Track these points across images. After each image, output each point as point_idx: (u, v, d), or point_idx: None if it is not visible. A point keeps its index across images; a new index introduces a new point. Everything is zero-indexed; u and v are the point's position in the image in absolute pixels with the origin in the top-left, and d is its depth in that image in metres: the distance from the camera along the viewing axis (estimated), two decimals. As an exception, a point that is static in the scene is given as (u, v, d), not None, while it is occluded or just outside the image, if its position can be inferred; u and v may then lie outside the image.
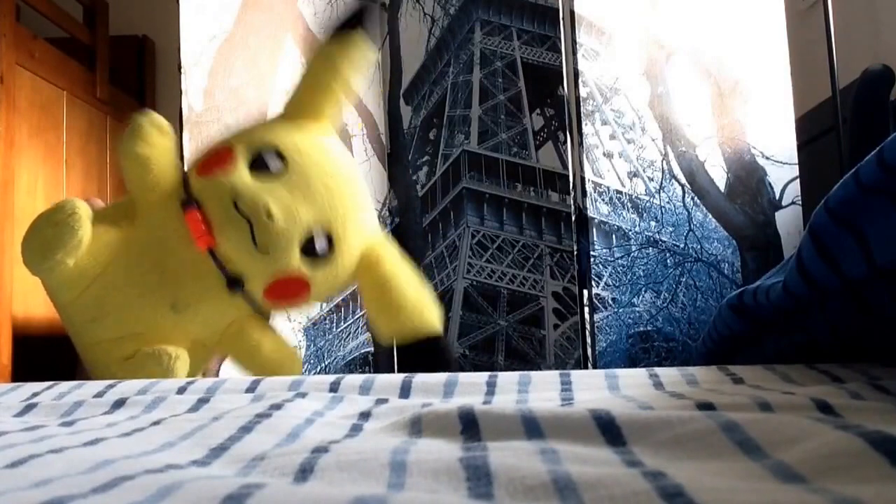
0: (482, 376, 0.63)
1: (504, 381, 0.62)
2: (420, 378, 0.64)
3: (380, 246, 0.86)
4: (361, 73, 0.90)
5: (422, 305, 0.87)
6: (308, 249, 0.78)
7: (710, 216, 1.51)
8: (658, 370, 0.65)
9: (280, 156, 0.80)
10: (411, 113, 1.72)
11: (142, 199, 0.81)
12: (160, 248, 0.78)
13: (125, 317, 0.79)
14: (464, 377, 0.63)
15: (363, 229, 0.85)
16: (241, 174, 0.78)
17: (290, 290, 0.79)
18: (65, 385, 0.68)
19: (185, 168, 0.80)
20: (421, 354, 0.84)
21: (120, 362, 0.77)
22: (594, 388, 0.60)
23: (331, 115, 0.88)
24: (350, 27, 0.89)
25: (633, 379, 0.63)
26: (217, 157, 0.81)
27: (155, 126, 0.79)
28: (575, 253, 1.48)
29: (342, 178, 0.84)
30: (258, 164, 0.79)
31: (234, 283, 0.77)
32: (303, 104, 0.86)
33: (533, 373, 0.65)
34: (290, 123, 0.85)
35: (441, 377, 0.63)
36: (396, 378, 0.64)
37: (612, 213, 1.49)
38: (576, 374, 0.64)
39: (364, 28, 0.89)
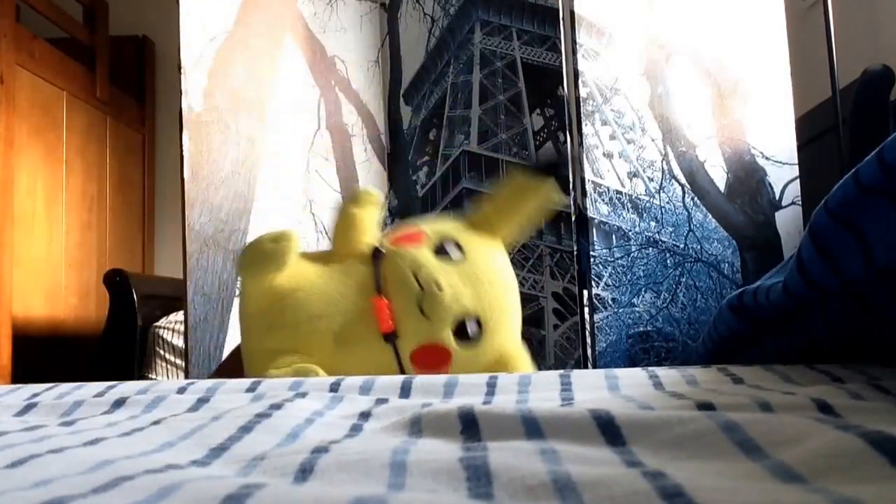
0: (482, 377, 0.64)
1: (504, 382, 0.62)
2: (420, 378, 0.64)
3: (517, 355, 1.00)
4: (543, 214, 1.05)
5: None
6: (460, 330, 0.91)
7: (710, 216, 1.51)
8: (658, 370, 0.65)
9: (459, 248, 0.95)
10: (411, 113, 1.72)
11: (341, 250, 0.96)
12: (342, 288, 0.93)
13: (295, 334, 0.91)
14: (464, 378, 0.63)
15: (510, 331, 0.99)
16: (426, 252, 0.93)
17: (434, 358, 0.91)
18: (65, 386, 0.68)
19: (378, 236, 0.98)
20: None
21: (276, 370, 0.85)
22: (594, 389, 0.60)
23: (507, 237, 1.03)
24: (547, 172, 1.04)
25: (633, 379, 0.63)
26: (410, 235, 0.96)
27: (370, 196, 0.97)
28: (575, 253, 1.48)
29: (504, 283, 0.98)
30: (441, 251, 0.94)
31: (390, 335, 0.90)
32: (489, 219, 1.01)
33: (533, 373, 0.65)
34: (472, 229, 1.00)
35: (441, 378, 0.63)
36: (397, 379, 0.64)
37: (612, 214, 1.49)
38: (576, 375, 0.64)
39: (556, 177, 1.06)
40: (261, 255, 0.92)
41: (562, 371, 0.66)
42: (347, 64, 1.70)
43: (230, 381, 0.67)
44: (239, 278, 1.00)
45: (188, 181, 1.36)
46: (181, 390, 0.63)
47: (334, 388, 0.62)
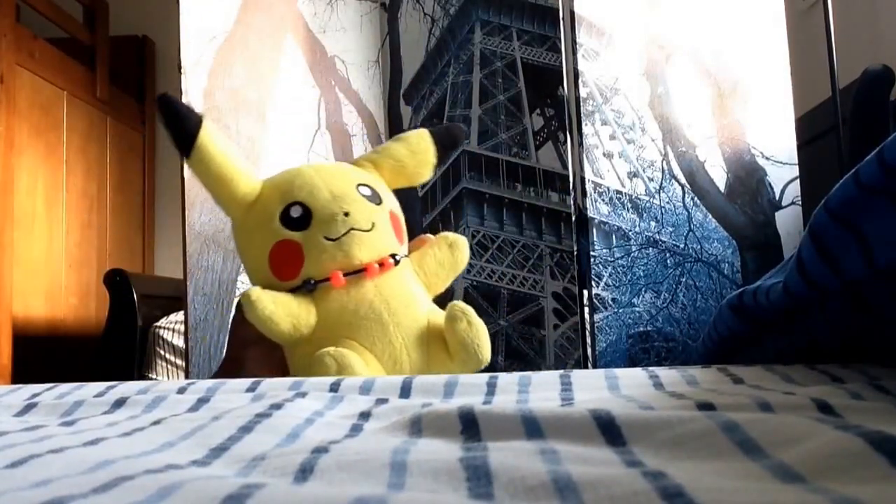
0: (482, 377, 0.64)
1: (504, 382, 0.62)
2: (420, 379, 0.64)
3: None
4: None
5: None
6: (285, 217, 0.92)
7: (710, 216, 1.51)
8: (658, 370, 0.65)
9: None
10: (411, 113, 1.72)
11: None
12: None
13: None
14: (464, 378, 0.63)
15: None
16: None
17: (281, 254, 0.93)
18: (65, 386, 0.68)
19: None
20: None
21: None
22: (594, 389, 0.60)
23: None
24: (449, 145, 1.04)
25: (633, 379, 0.63)
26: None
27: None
28: (575, 253, 1.48)
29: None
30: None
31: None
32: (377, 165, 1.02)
33: (533, 373, 0.65)
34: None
35: (441, 378, 0.63)
36: (396, 379, 0.64)
37: (612, 214, 1.49)
38: (576, 375, 0.64)
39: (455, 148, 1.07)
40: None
41: (562, 371, 0.67)
42: (347, 64, 1.70)
43: (230, 381, 0.68)
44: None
45: (188, 181, 1.36)
46: (181, 390, 0.63)
47: (334, 387, 0.62)
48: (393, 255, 0.92)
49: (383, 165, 1.00)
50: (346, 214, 0.89)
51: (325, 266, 0.90)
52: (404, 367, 0.88)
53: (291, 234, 0.91)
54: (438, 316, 0.94)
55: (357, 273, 0.89)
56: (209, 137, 0.93)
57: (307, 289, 0.90)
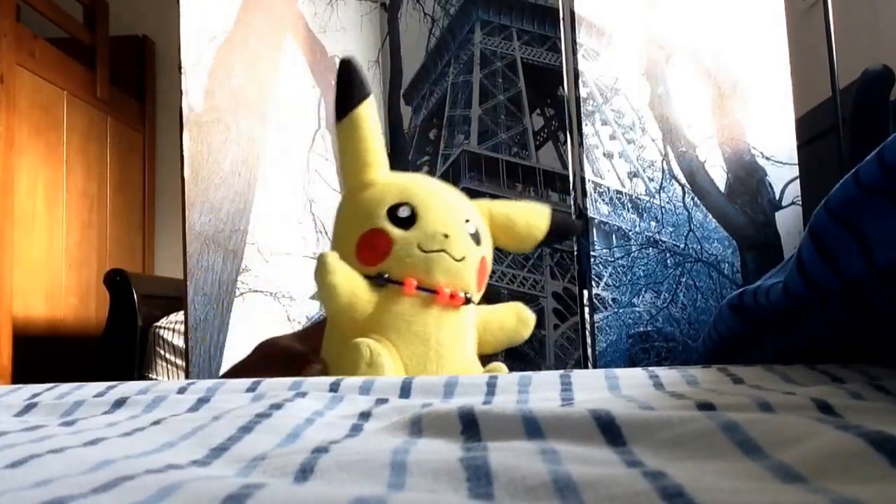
0: (482, 377, 0.64)
1: (504, 382, 0.62)
2: (420, 379, 0.64)
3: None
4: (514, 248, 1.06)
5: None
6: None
7: (711, 216, 1.51)
8: (658, 370, 0.65)
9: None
10: (411, 113, 1.72)
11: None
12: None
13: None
14: (464, 378, 0.63)
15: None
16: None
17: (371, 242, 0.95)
18: (65, 386, 0.68)
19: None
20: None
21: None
22: (594, 389, 0.60)
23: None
24: (560, 235, 1.06)
25: (634, 379, 0.63)
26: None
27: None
28: (575, 253, 1.48)
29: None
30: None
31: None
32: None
33: (533, 373, 0.65)
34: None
35: (441, 378, 0.63)
36: (396, 379, 0.64)
37: (613, 214, 1.49)
38: (576, 375, 0.64)
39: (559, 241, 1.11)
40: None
41: (562, 371, 0.67)
42: (347, 64, 1.70)
43: (230, 381, 0.68)
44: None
45: (188, 181, 1.36)
46: (181, 390, 0.63)
47: (334, 387, 0.62)
48: (466, 294, 0.93)
49: (496, 217, 1.02)
50: (446, 236, 0.91)
51: (405, 270, 0.91)
52: None
53: (391, 227, 0.92)
54: (476, 368, 0.96)
55: (429, 291, 0.91)
56: (366, 113, 0.96)
57: (379, 282, 0.91)
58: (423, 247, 0.90)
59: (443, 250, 0.90)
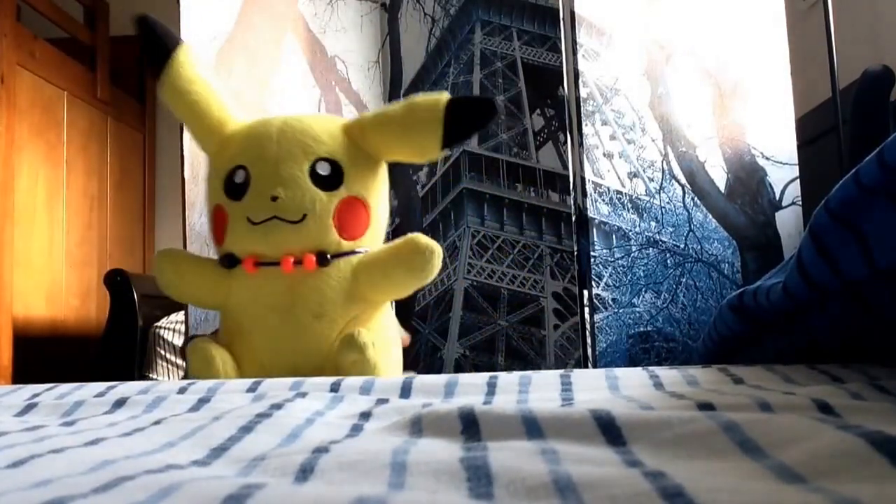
0: (482, 377, 0.64)
1: (504, 382, 0.62)
2: (420, 379, 0.64)
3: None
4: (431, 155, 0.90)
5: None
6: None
7: (711, 216, 1.51)
8: (658, 370, 0.65)
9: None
10: (411, 113, 1.72)
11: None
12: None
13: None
14: (464, 378, 0.63)
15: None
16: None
17: None
18: (66, 386, 0.68)
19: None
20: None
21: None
22: (595, 389, 0.60)
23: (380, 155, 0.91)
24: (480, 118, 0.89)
25: (634, 379, 0.63)
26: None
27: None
28: (575, 253, 1.48)
29: None
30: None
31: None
32: (364, 129, 0.90)
33: (533, 373, 0.65)
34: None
35: (441, 378, 0.63)
36: (397, 379, 0.64)
37: (613, 214, 1.49)
38: (576, 375, 0.64)
39: (486, 125, 0.91)
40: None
41: (562, 371, 0.66)
42: (348, 64, 1.70)
43: (230, 381, 0.68)
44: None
45: (188, 181, 1.36)
46: (182, 390, 0.63)
47: (335, 387, 0.62)
48: (321, 254, 0.84)
49: (370, 126, 0.88)
50: (275, 199, 0.81)
51: (244, 247, 0.84)
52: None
53: (226, 201, 0.84)
54: (359, 324, 0.84)
55: (271, 265, 0.83)
56: (185, 60, 0.85)
57: (224, 265, 0.85)
58: (252, 218, 0.82)
59: (274, 217, 0.81)
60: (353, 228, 0.85)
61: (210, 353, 0.81)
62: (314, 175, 0.84)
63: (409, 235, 0.88)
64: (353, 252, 0.86)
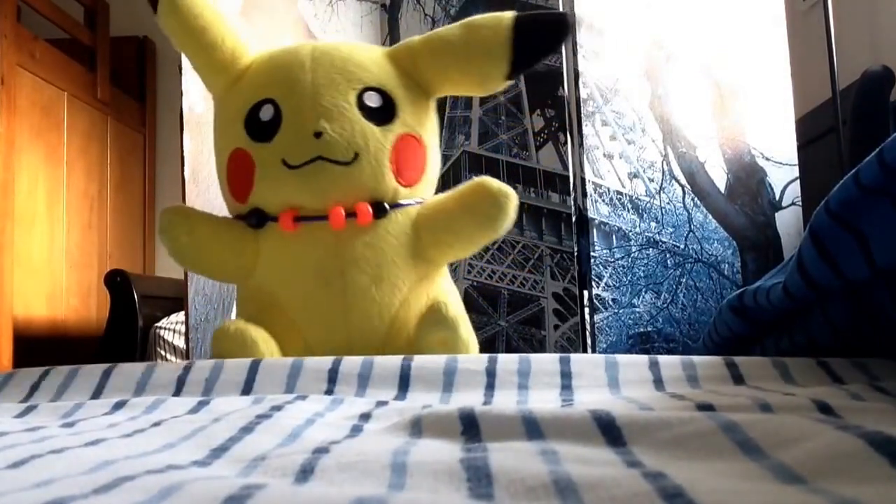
0: (481, 361, 0.61)
1: (503, 370, 0.61)
2: (418, 364, 0.61)
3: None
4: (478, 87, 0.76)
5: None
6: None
7: (711, 217, 1.51)
8: (659, 358, 0.64)
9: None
10: (412, 114, 1.71)
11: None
12: None
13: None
14: (462, 363, 0.61)
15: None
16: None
17: None
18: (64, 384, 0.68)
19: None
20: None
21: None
22: (594, 387, 0.60)
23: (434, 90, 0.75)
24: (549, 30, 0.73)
25: (634, 369, 0.61)
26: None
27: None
28: (575, 254, 1.48)
29: None
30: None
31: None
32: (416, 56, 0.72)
33: (532, 359, 0.63)
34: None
35: (440, 362, 0.61)
36: (395, 362, 0.61)
37: (613, 214, 1.49)
38: (575, 363, 0.62)
39: (558, 46, 0.72)
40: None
41: (560, 354, 0.64)
42: (348, 65, 1.70)
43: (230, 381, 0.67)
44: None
45: (188, 181, 1.36)
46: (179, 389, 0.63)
47: (332, 373, 0.61)
48: (377, 204, 0.68)
49: (423, 52, 0.71)
50: (318, 134, 0.64)
51: (278, 198, 0.67)
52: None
53: (250, 143, 0.68)
54: (424, 299, 0.69)
55: (316, 219, 0.66)
56: None
57: (251, 224, 0.69)
58: (289, 161, 0.65)
59: (319, 157, 0.65)
60: (412, 172, 0.70)
61: (250, 337, 0.66)
62: (361, 107, 0.67)
63: (477, 179, 0.74)
64: (410, 203, 0.70)
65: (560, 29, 0.73)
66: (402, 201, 0.68)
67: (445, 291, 0.74)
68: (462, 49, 0.69)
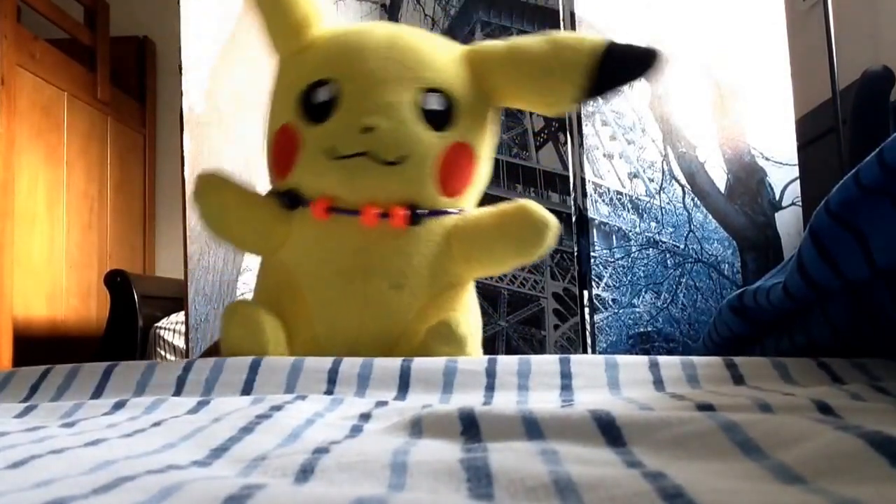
0: (481, 363, 0.61)
1: (503, 371, 0.62)
2: (417, 365, 0.62)
3: None
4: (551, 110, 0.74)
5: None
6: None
7: (711, 217, 1.51)
8: (659, 359, 0.64)
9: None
10: (412, 114, 1.71)
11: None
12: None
13: None
14: (462, 364, 0.62)
15: None
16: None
17: None
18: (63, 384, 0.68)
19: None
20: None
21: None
22: (594, 387, 0.60)
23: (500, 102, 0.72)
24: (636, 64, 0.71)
25: (634, 369, 0.62)
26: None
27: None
28: (575, 254, 1.48)
29: None
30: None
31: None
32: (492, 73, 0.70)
33: (532, 359, 0.63)
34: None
35: (439, 363, 0.61)
36: (395, 363, 0.62)
37: (613, 214, 1.49)
38: (575, 364, 0.63)
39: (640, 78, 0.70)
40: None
41: (560, 355, 0.64)
42: (348, 65, 1.70)
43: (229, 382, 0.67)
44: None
45: (188, 181, 1.36)
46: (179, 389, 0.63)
47: (332, 374, 0.61)
48: (413, 208, 0.65)
49: (493, 62, 0.68)
50: (368, 130, 0.62)
51: (316, 185, 0.66)
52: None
53: (300, 122, 0.66)
54: (440, 314, 0.68)
55: (348, 213, 0.65)
56: None
57: (284, 203, 0.68)
58: (337, 149, 0.63)
59: (365, 152, 0.63)
60: (458, 182, 0.68)
61: (258, 320, 0.64)
62: (420, 108, 0.65)
63: (520, 202, 0.71)
64: (447, 212, 0.68)
65: (650, 64, 0.71)
66: (440, 209, 0.66)
67: (465, 308, 0.72)
68: (545, 65, 0.67)
